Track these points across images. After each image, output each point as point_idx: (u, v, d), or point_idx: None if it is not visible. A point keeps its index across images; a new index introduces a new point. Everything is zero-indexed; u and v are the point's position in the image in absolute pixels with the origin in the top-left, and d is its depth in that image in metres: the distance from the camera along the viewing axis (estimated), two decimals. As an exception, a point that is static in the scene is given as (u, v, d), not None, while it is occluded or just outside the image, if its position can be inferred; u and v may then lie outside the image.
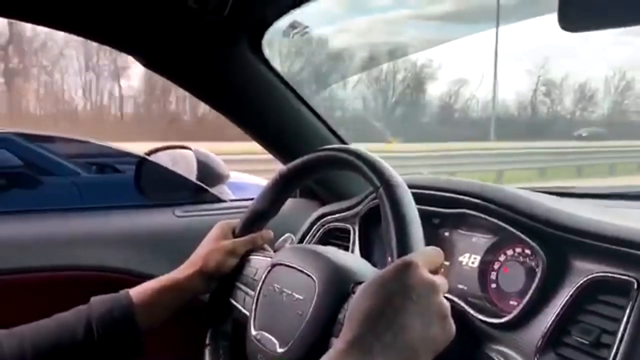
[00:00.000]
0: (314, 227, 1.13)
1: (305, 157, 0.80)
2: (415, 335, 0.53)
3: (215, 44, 0.95)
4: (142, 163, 1.35)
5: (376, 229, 1.03)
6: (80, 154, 1.56)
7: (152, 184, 1.30)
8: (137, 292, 0.81)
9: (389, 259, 0.62)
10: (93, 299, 0.80)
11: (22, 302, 0.96)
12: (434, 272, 0.60)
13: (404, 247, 0.61)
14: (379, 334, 0.52)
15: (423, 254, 0.60)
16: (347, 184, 1.21)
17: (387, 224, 0.64)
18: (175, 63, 0.98)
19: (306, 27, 0.95)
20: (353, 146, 0.80)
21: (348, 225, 1.06)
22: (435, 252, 0.62)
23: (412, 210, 0.64)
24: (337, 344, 0.54)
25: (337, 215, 1.09)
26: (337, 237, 1.10)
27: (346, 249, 1.03)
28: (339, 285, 0.66)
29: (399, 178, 0.67)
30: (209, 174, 1.33)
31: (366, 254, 1.01)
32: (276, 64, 1.01)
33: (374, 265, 0.76)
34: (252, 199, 1.29)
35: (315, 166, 0.80)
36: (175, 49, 0.95)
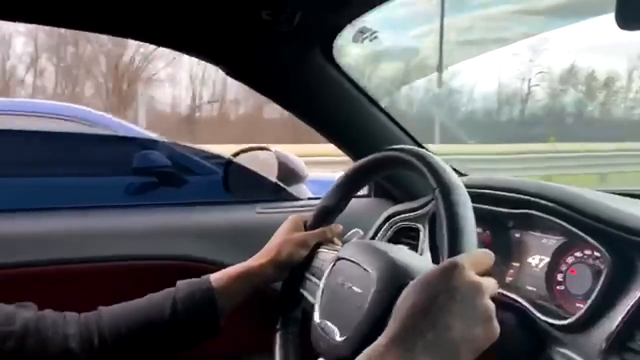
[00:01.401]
0: (385, 225, 1.16)
1: (370, 157, 0.84)
2: (457, 335, 0.54)
3: (289, 52, 1.02)
4: (229, 164, 1.46)
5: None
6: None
7: (237, 183, 1.40)
8: (216, 277, 0.89)
9: (441, 259, 0.64)
10: (179, 282, 0.89)
11: (122, 287, 1.08)
12: (483, 274, 0.60)
13: (454, 248, 0.62)
14: (422, 332, 0.54)
15: (471, 256, 0.61)
16: (419, 183, 1.23)
17: (441, 225, 0.65)
18: (254, 71, 1.06)
19: (375, 32, 0.99)
20: (411, 147, 0.82)
21: (418, 225, 1.08)
22: (484, 254, 0.63)
23: (466, 213, 0.65)
24: (381, 338, 0.56)
25: (407, 215, 1.11)
26: (407, 236, 1.12)
27: (416, 247, 1.05)
28: (395, 282, 0.68)
29: (456, 180, 0.68)
30: (288, 173, 1.41)
31: (435, 253, 1.02)
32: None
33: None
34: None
35: (378, 166, 0.83)
36: (252, 58, 1.02)
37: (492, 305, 0.58)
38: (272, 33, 0.94)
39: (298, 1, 0.83)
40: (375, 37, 1.00)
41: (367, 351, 0.55)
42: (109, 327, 0.82)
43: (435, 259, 0.85)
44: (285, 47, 1.00)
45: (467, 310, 0.56)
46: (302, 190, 1.41)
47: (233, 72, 1.08)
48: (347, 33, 1.01)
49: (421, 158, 0.72)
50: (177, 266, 1.15)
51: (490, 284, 0.59)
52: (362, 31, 0.99)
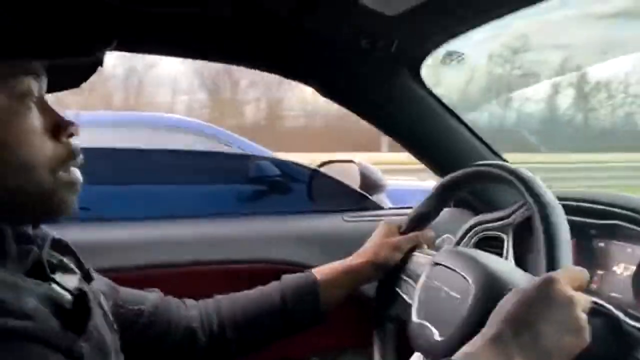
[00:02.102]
0: (469, 234, 1.22)
1: (465, 170, 0.92)
2: (550, 342, 0.61)
3: (379, 72, 1.11)
4: (314, 174, 1.57)
5: (529, 238, 1.10)
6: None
7: (323, 193, 1.51)
8: (320, 271, 0.99)
9: (538, 272, 0.71)
10: (284, 276, 0.99)
11: (226, 287, 1.21)
12: (577, 289, 0.66)
13: (552, 264, 0.69)
14: (518, 335, 0.61)
15: (568, 272, 0.67)
16: (499, 194, 1.29)
17: (539, 241, 0.72)
18: (343, 89, 1.15)
19: (462, 54, 1.06)
20: (506, 163, 0.89)
21: (502, 234, 1.14)
22: (579, 271, 0.69)
23: (562, 231, 0.71)
24: (478, 338, 0.63)
25: (491, 224, 1.18)
26: (489, 245, 1.18)
27: (499, 255, 1.11)
28: (493, 291, 0.74)
29: (552, 198, 0.74)
30: (370, 183, 1.50)
31: (519, 260, 1.08)
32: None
33: (526, 270, 0.84)
34: (407, 207, 1.43)
35: (473, 178, 0.91)
36: (343, 77, 1.12)
37: (584, 317, 0.64)
38: (366, 57, 1.04)
39: (397, 30, 0.92)
40: (462, 59, 1.07)
41: (465, 349, 0.62)
42: (226, 313, 0.93)
43: (521, 266, 0.91)
44: (375, 68, 1.09)
45: (561, 319, 0.62)
46: (383, 199, 1.50)
47: (324, 90, 1.18)
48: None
49: (518, 176, 0.79)
50: (274, 269, 1.26)
51: (583, 299, 0.65)
52: (450, 53, 1.07)
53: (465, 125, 1.20)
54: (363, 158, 1.65)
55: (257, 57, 1.07)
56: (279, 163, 1.74)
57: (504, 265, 0.82)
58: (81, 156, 0.63)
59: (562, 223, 0.72)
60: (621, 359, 0.79)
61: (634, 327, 0.79)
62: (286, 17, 0.91)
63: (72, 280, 0.65)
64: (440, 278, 0.86)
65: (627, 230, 0.87)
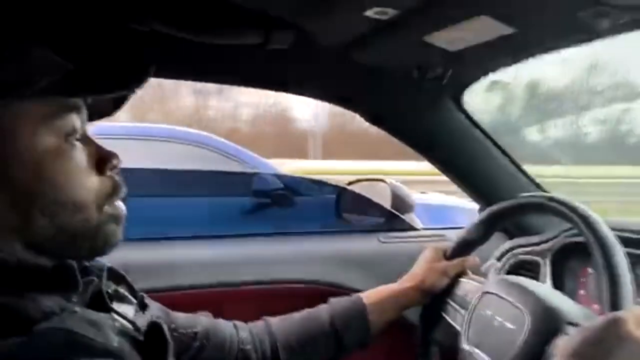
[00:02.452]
0: (504, 257, 1.25)
1: (518, 200, 0.94)
2: None
3: (423, 99, 1.13)
4: (342, 192, 1.58)
5: (567, 265, 1.12)
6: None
7: (353, 211, 1.52)
8: (367, 295, 1.01)
9: (599, 309, 0.73)
10: (332, 299, 1.00)
11: (263, 308, 1.22)
12: None
13: (616, 304, 0.71)
14: None
15: (633, 313, 0.68)
16: (534, 220, 1.31)
17: (600, 280, 0.74)
18: (392, 119, 1.18)
19: (507, 83, 1.08)
20: (557, 195, 0.91)
21: (538, 259, 1.16)
22: None
23: (625, 270, 0.73)
24: None
25: (528, 249, 1.20)
26: (525, 269, 1.21)
27: (536, 279, 1.14)
28: (551, 323, 0.76)
29: (612, 236, 0.76)
30: (401, 203, 1.52)
31: (557, 285, 1.10)
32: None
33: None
34: (440, 228, 1.45)
35: (526, 209, 0.94)
36: (392, 108, 1.15)
37: None
38: (415, 85, 1.06)
39: (452, 63, 0.94)
40: (507, 87, 1.10)
41: None
42: (279, 335, 0.94)
43: (559, 291, 0.93)
44: (419, 95, 1.12)
45: (630, 358, 0.64)
46: (414, 219, 1.52)
47: (369, 116, 1.20)
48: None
49: (574, 210, 0.81)
50: (312, 290, 1.28)
51: None
52: (495, 82, 1.09)
53: (507, 154, 1.23)
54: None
55: (306, 85, 1.10)
56: (308, 182, 1.76)
57: (560, 298, 0.84)
58: (124, 189, 0.64)
59: (623, 261, 0.74)
60: None
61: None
62: (342, 51, 0.93)
63: (129, 310, 0.65)
64: (492, 307, 0.87)
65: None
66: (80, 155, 0.59)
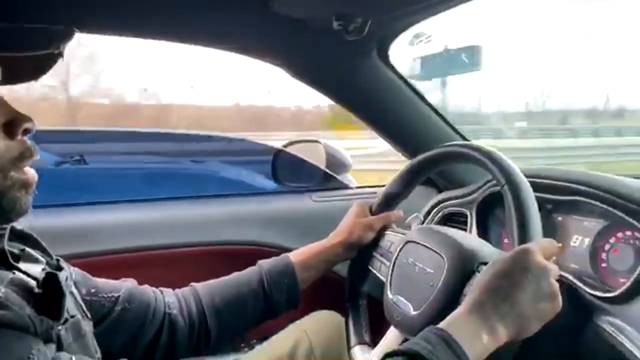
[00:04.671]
0: (434, 211, 1.27)
1: (436, 150, 0.95)
2: (527, 308, 0.66)
3: (348, 54, 1.12)
4: (278, 154, 1.57)
5: (492, 214, 1.15)
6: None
7: (288, 173, 1.51)
8: (295, 254, 1.01)
9: (510, 244, 0.75)
10: (260, 261, 1.00)
11: (197, 271, 1.20)
12: (548, 259, 0.71)
13: (524, 237, 0.73)
14: (497, 304, 0.65)
15: (539, 244, 0.72)
16: (462, 173, 1.33)
17: (510, 217, 0.76)
18: (316, 73, 1.16)
19: (429, 36, 1.08)
20: (476, 144, 0.92)
21: (465, 210, 1.19)
22: (549, 242, 0.74)
23: (533, 207, 0.76)
24: (460, 308, 0.67)
25: (455, 201, 1.22)
26: (453, 220, 1.23)
27: (463, 230, 1.16)
28: (466, 264, 0.78)
29: (522, 177, 0.78)
30: (336, 164, 1.52)
31: (482, 235, 1.13)
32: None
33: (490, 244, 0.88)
34: (373, 186, 1.46)
35: (444, 159, 0.94)
36: (316, 61, 1.13)
37: (556, 284, 0.69)
38: (336, 38, 1.04)
39: (369, 13, 0.93)
40: (430, 41, 1.09)
41: (448, 319, 0.66)
42: (205, 299, 0.93)
43: (484, 240, 0.95)
44: (344, 50, 1.10)
45: (536, 287, 0.67)
46: (349, 179, 1.52)
47: (292, 70, 1.18)
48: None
49: (488, 156, 0.82)
50: (246, 250, 1.27)
51: (554, 268, 0.70)
52: (417, 35, 1.09)
53: (432, 107, 1.23)
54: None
55: (225, 38, 1.06)
56: (243, 142, 1.73)
57: (475, 241, 0.86)
58: (36, 154, 0.61)
59: (532, 199, 0.77)
60: (581, 325, 0.84)
61: (591, 294, 0.84)
62: (260, 1, 0.89)
63: (36, 269, 0.63)
64: (413, 255, 0.89)
65: (584, 204, 0.93)
66: None
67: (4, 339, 0.49)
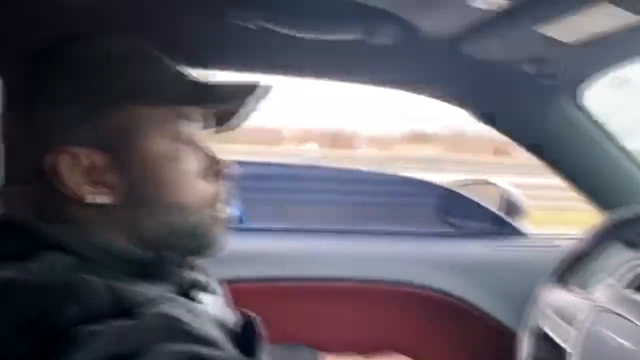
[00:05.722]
0: (621, 270, 1.12)
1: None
2: None
3: (540, 99, 1.05)
4: (447, 193, 1.51)
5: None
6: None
7: (458, 215, 1.45)
8: None
9: None
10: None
11: (358, 306, 1.19)
12: None
13: None
14: None
15: None
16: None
17: None
18: (503, 115, 1.11)
19: (628, 78, 0.97)
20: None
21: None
22: None
23: None
24: None
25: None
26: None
27: None
28: None
29: None
30: (510, 207, 1.42)
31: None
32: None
33: None
34: (554, 236, 1.34)
35: None
36: (503, 103, 1.08)
37: None
38: (527, 81, 0.98)
39: (569, 57, 0.87)
40: (629, 82, 0.99)
41: None
42: None
43: None
44: (535, 93, 1.04)
45: None
46: (524, 225, 1.42)
47: (478, 113, 1.14)
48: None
49: None
50: (402, 292, 1.23)
51: None
52: (617, 78, 0.98)
53: (630, 156, 1.10)
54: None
55: (416, 82, 1.06)
56: (412, 181, 1.71)
57: None
58: (231, 194, 0.66)
59: None
60: None
61: None
62: (450, 45, 0.89)
63: (213, 300, 0.66)
64: (609, 326, 0.79)
65: None
66: (189, 160, 0.61)
67: None
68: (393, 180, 1.68)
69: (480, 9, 0.75)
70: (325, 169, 2.01)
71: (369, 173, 1.98)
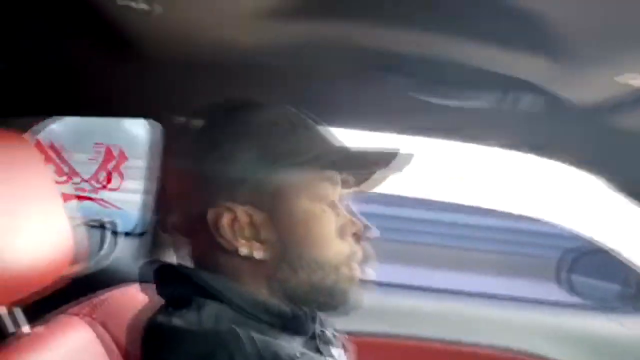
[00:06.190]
0: None
1: None
2: None
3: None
4: (577, 260, 1.42)
5: None
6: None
7: (588, 285, 1.35)
8: None
9: None
10: None
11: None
12: None
13: None
14: None
15: None
16: None
17: None
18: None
19: None
20: None
21: None
22: None
23: None
24: None
25: None
26: None
27: None
28: None
29: None
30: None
31: None
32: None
33: None
34: None
35: None
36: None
37: None
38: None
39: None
40: None
41: None
42: None
43: None
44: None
45: None
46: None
47: (621, 186, 1.07)
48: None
49: None
50: None
51: None
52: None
53: None
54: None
55: (559, 151, 1.04)
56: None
57: None
58: (366, 254, 0.68)
59: None
60: None
61: None
62: (596, 116, 0.86)
63: (340, 354, 0.69)
64: None
65: None
66: (329, 220, 0.66)
67: None
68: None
69: (626, 84, 0.73)
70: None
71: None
